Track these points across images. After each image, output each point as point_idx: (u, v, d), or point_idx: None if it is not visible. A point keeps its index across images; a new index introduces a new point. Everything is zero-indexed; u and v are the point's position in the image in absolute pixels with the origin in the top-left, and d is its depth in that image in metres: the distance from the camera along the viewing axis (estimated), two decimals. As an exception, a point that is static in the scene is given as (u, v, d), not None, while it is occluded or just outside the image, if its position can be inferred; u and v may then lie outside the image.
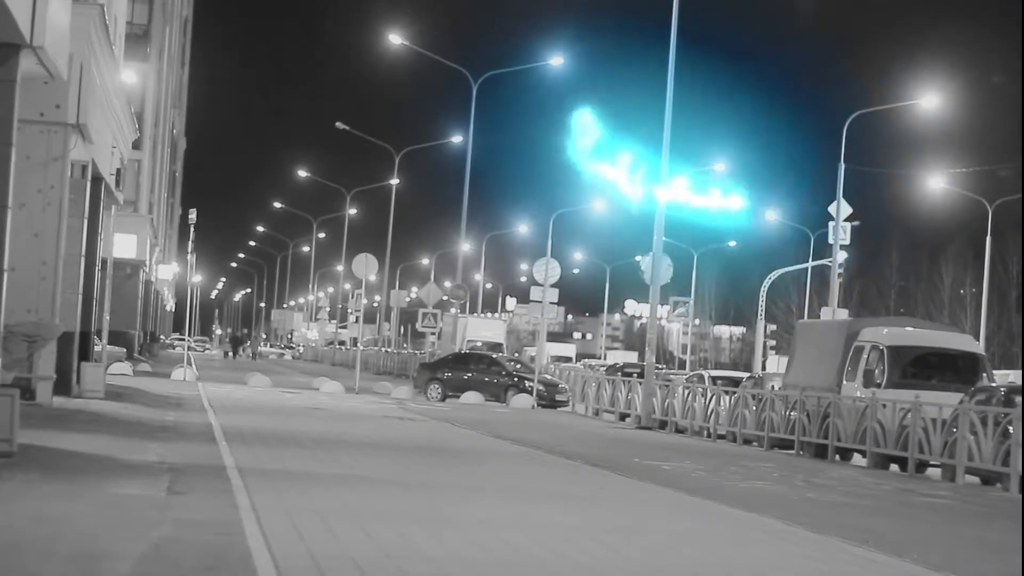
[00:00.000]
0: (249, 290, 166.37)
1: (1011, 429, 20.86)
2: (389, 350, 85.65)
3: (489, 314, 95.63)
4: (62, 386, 25.45)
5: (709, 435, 31.27)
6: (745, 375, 39.36)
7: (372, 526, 11.24)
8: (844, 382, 27.41)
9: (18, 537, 9.59)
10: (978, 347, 31.01)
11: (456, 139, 61.64)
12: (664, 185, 38.94)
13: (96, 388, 27.69)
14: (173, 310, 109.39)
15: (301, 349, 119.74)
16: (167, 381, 40.62)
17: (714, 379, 35.63)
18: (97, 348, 32.50)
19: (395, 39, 54.25)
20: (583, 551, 10.97)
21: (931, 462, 23.68)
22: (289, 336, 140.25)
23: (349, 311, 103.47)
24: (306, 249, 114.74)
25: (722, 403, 31.26)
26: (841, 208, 46.84)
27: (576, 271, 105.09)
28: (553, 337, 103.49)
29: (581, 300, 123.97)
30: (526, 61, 56.75)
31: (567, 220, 76.12)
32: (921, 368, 26.67)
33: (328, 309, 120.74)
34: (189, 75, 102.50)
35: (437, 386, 42.88)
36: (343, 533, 10.76)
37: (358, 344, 56.99)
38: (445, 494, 14.47)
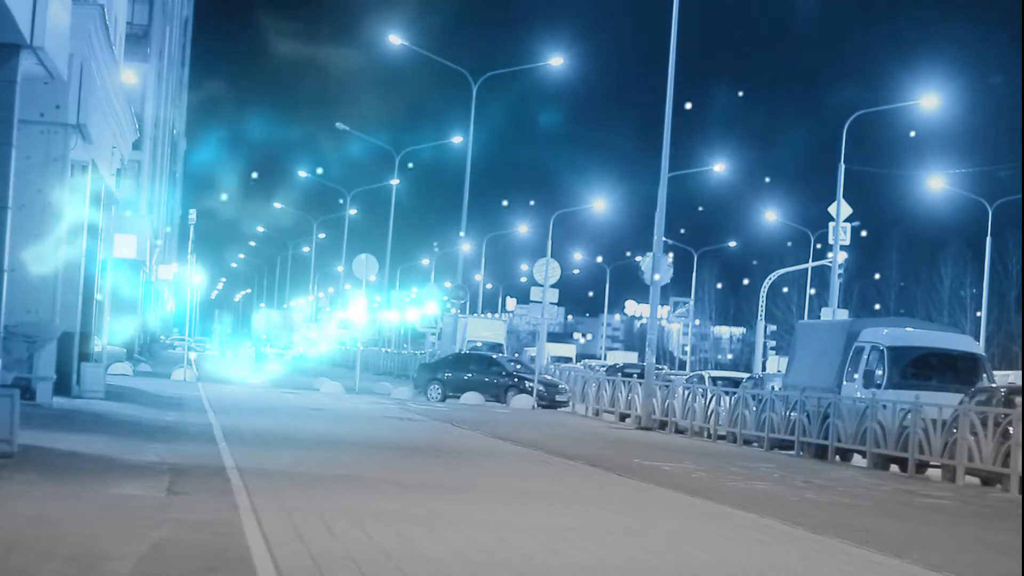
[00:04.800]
0: (249, 290, 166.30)
1: (1011, 430, 20.85)
2: (389, 350, 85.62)
3: (489, 314, 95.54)
4: (62, 386, 25.45)
5: (709, 436, 31.27)
6: (745, 375, 39.37)
7: (372, 526, 11.24)
8: (844, 382, 27.41)
9: (18, 537, 9.59)
10: (978, 348, 31.03)
11: (456, 139, 61.69)
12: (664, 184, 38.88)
13: (96, 388, 27.68)
14: (173, 310, 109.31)
15: (301, 349, 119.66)
16: (167, 381, 40.62)
17: (714, 379, 35.63)
18: (97, 348, 32.50)
19: (395, 39, 54.30)
20: (583, 551, 10.96)
21: (931, 463, 23.67)
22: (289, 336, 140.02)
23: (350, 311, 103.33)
24: (306, 249, 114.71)
25: (722, 404, 31.26)
26: (841, 208, 46.85)
27: (576, 271, 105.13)
28: (553, 337, 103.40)
29: (581, 300, 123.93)
30: (526, 61, 56.82)
31: (567, 220, 76.19)
32: (921, 369, 26.68)
33: (328, 309, 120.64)
34: (189, 75, 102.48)
35: (437, 386, 42.89)
36: (343, 533, 10.76)
37: (358, 344, 56.97)
38: (445, 494, 14.47)
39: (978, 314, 63.62)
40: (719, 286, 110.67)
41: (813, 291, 66.02)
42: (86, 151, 25.99)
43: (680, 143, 46.23)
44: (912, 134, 47.85)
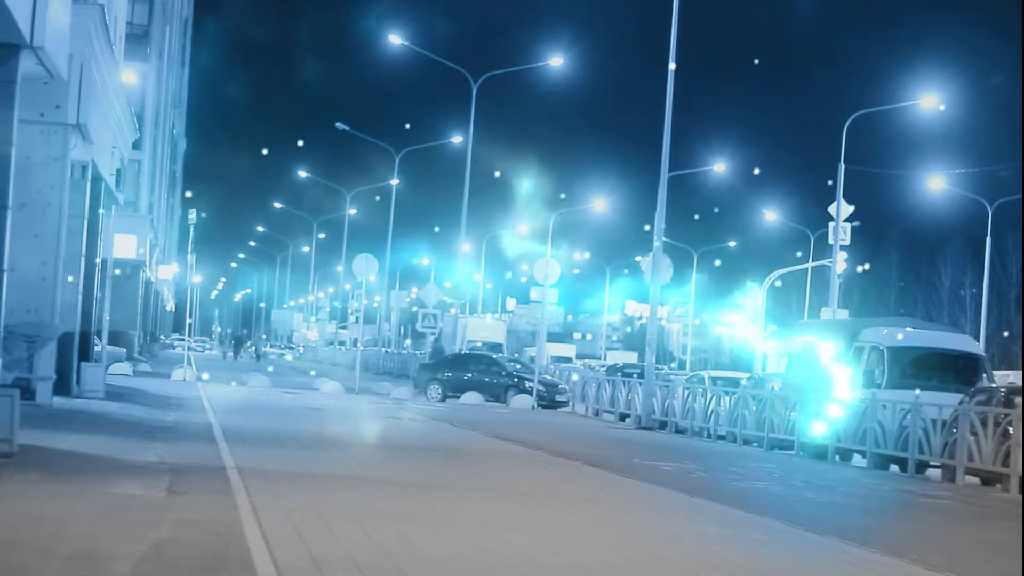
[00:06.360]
0: (249, 290, 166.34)
1: (1011, 430, 20.84)
2: (389, 350, 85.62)
3: (489, 315, 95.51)
4: (62, 386, 25.46)
5: (709, 436, 31.25)
6: (745, 375, 39.35)
7: (372, 526, 11.24)
8: (844, 382, 27.38)
9: (18, 537, 9.59)
10: (978, 348, 31.00)
11: (456, 139, 61.65)
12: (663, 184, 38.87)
13: (96, 388, 27.70)
14: (173, 310, 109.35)
15: (301, 349, 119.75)
16: (167, 381, 40.63)
17: (714, 379, 35.63)
18: (97, 348, 32.50)
19: (395, 39, 54.29)
20: (583, 551, 10.96)
21: (931, 463, 23.66)
22: (289, 336, 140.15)
23: (349, 311, 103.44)
24: (306, 249, 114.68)
25: (722, 404, 31.25)
26: (841, 208, 46.82)
27: (576, 271, 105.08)
28: (553, 337, 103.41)
29: (581, 300, 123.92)
30: (526, 61, 56.77)
31: (567, 220, 76.19)
32: (921, 369, 26.65)
33: (328, 309, 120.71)
34: (189, 75, 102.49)
35: (437, 386, 42.90)
36: (343, 533, 10.76)
37: (358, 344, 57.02)
38: (445, 494, 14.47)
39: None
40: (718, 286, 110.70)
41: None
42: (86, 151, 26.00)
43: (680, 143, 46.20)
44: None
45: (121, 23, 33.45)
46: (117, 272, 39.49)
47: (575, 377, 44.24)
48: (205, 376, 39.76)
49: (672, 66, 36.21)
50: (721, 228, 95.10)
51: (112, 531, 10.11)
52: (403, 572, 9.29)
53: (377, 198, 65.16)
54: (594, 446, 25.44)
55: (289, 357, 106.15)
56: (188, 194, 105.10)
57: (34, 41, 16.96)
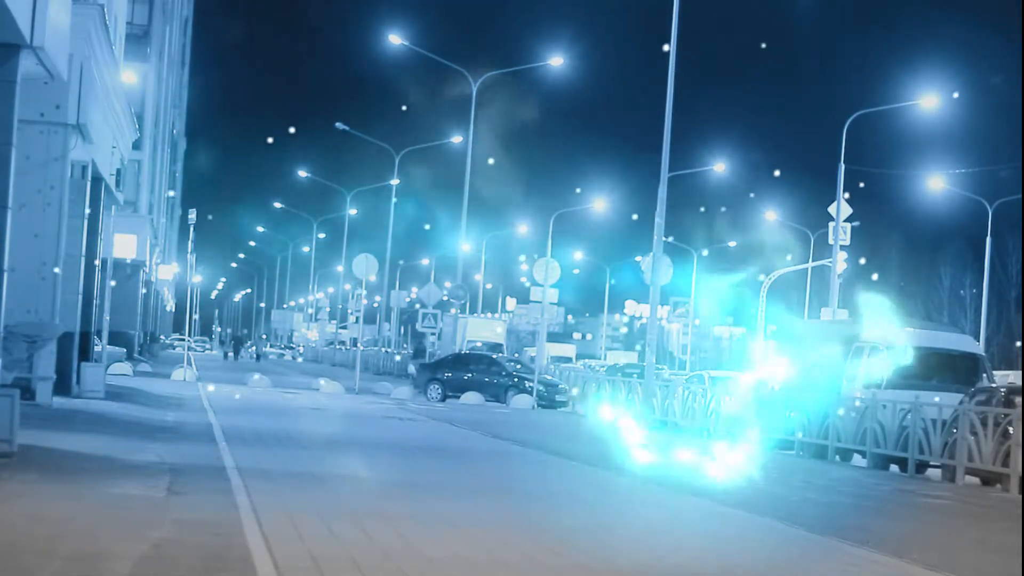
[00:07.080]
0: (249, 290, 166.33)
1: (1011, 430, 20.84)
2: (389, 350, 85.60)
3: (489, 315, 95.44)
4: (62, 386, 25.47)
5: (709, 436, 31.23)
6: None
7: (372, 526, 11.24)
8: (844, 382, 27.37)
9: (18, 537, 9.59)
10: (978, 348, 30.99)
11: (456, 139, 61.63)
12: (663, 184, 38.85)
13: (96, 388, 27.71)
14: (173, 310, 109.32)
15: (301, 349, 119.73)
16: (167, 381, 40.63)
17: (714, 379, 35.62)
18: (97, 348, 32.51)
19: (395, 39, 54.29)
20: (583, 551, 10.97)
21: (931, 463, 23.66)
22: (289, 336, 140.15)
23: (349, 311, 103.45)
24: (306, 249, 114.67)
25: (722, 404, 31.23)
26: (841, 208, 46.79)
27: (576, 271, 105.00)
28: (553, 337, 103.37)
29: (581, 300, 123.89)
30: (526, 61, 56.74)
31: (567, 220, 76.11)
32: (921, 369, 26.64)
33: (328, 309, 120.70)
34: (189, 75, 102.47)
35: (437, 386, 42.90)
36: (343, 533, 10.76)
37: (358, 344, 57.01)
38: (445, 494, 14.47)
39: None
40: (718, 285, 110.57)
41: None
42: (86, 151, 26.00)
43: (681, 143, 46.17)
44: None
45: (121, 23, 33.47)
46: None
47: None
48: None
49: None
50: (721, 228, 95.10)
51: (112, 531, 10.11)
52: (403, 572, 9.29)
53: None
54: (594, 446, 25.39)
55: (299, 360, 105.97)
56: (187, 194, 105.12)
57: (34, 41, 16.97)
